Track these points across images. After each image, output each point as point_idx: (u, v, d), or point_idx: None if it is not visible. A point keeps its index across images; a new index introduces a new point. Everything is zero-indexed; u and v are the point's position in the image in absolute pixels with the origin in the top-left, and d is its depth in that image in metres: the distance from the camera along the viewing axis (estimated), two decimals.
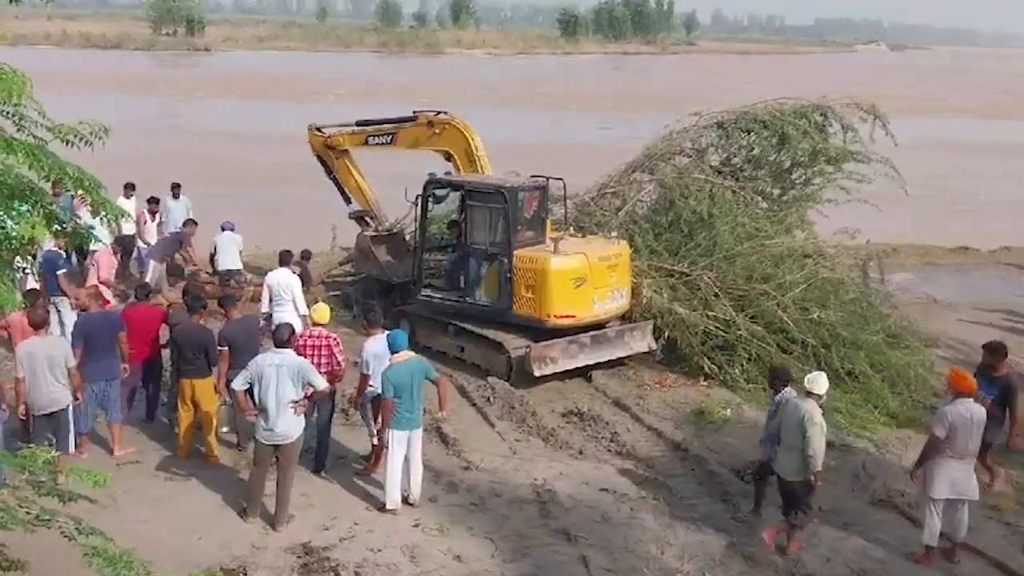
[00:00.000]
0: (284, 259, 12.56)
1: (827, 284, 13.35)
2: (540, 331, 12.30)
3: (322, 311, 10.20)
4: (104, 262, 13.31)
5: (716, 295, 12.98)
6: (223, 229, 15.23)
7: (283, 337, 8.76)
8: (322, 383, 8.79)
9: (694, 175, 14.85)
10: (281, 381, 8.48)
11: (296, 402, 8.57)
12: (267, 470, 8.83)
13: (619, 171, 15.97)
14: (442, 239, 14.84)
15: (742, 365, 12.55)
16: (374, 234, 15.22)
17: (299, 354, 9.40)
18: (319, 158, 15.71)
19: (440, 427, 10.57)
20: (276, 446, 8.66)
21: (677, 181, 14.78)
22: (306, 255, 15.36)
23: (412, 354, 9.11)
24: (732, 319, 12.68)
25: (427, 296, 13.48)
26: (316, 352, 9.65)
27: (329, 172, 15.69)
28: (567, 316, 12.27)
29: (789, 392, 9.03)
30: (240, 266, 15.12)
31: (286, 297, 11.99)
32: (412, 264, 13.81)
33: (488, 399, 11.87)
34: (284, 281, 12.08)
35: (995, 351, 9.99)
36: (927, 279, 19.43)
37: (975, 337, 15.20)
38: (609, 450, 10.73)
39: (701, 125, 15.80)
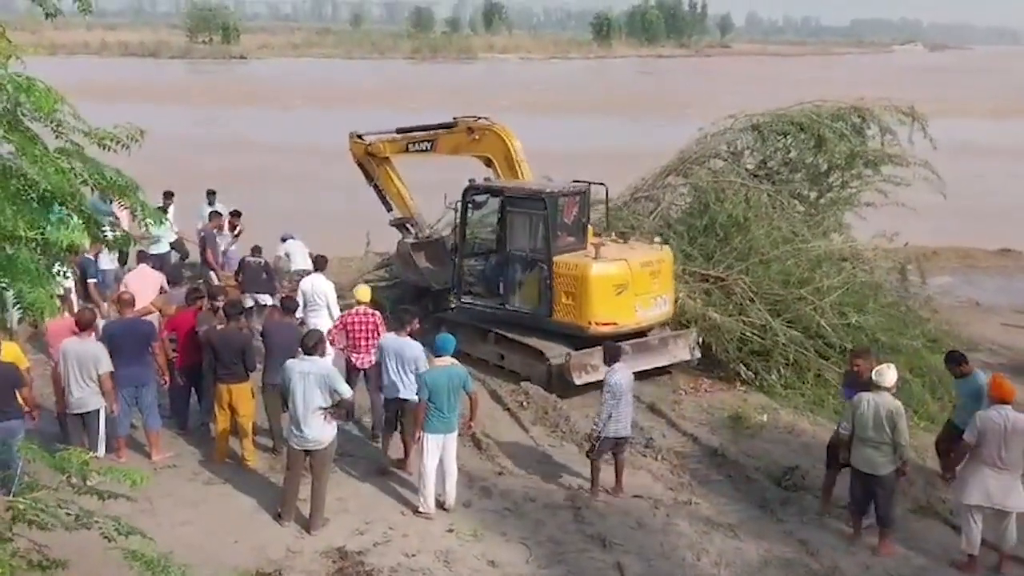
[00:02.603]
0: (319, 264, 12.62)
1: (865, 288, 13.20)
2: (581, 339, 12.05)
3: (363, 291, 11.04)
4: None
5: (751, 300, 12.85)
6: (283, 240, 15.38)
7: (310, 343, 8.81)
8: (348, 391, 8.82)
9: (729, 178, 14.73)
10: (308, 388, 8.55)
11: (324, 409, 8.61)
12: (300, 475, 8.88)
13: (653, 174, 15.89)
14: (490, 245, 14.61)
15: (779, 371, 12.42)
16: (415, 241, 15.10)
17: (346, 331, 10.47)
18: (360, 165, 15.58)
19: (474, 432, 10.56)
20: (308, 451, 8.72)
21: (712, 184, 14.67)
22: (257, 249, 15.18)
23: (454, 361, 9.14)
24: (768, 324, 12.54)
25: (466, 303, 13.34)
26: (363, 328, 10.61)
27: (370, 179, 15.55)
28: (608, 323, 12.01)
29: (621, 366, 9.39)
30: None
31: (320, 303, 12.04)
32: (451, 271, 13.69)
33: (522, 404, 11.85)
34: (319, 286, 12.14)
35: (856, 354, 9.63)
36: (968, 282, 19.15)
37: (1018, 341, 14.98)
38: (644, 455, 10.65)
39: (736, 128, 15.69)
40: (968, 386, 9.73)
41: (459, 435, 9.38)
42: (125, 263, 14.81)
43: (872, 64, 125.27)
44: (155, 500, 8.79)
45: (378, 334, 10.47)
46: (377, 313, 10.81)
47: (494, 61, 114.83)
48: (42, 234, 5.24)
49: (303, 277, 12.93)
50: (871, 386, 8.64)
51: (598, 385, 11.90)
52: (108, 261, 14.16)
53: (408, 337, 9.69)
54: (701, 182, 14.94)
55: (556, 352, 12.09)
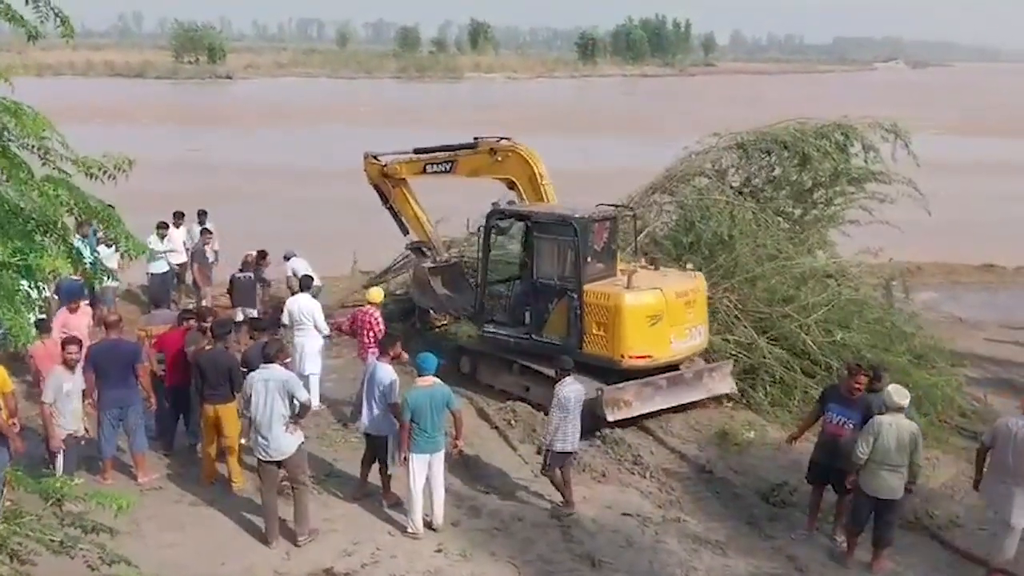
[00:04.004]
0: (305, 284, 12.64)
1: (850, 305, 13.22)
2: (613, 372, 11.48)
3: (375, 293, 12.11)
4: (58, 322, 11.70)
5: (737, 318, 12.89)
6: (287, 258, 15.38)
7: (271, 352, 8.90)
8: (305, 396, 8.85)
9: (714, 196, 14.78)
10: (270, 395, 8.61)
11: (287, 417, 8.65)
12: (276, 488, 8.90)
13: (639, 192, 15.95)
14: (511, 271, 14.03)
15: (765, 388, 12.42)
16: (432, 265, 14.64)
17: (353, 326, 11.85)
18: (375, 187, 15.11)
19: (462, 450, 10.53)
20: (278, 463, 8.75)
21: (697, 202, 14.72)
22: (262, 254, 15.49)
23: (436, 380, 9.12)
24: (753, 342, 12.56)
25: (489, 332, 12.82)
26: (364, 324, 11.59)
27: (385, 201, 15.10)
28: (642, 356, 11.48)
29: (571, 380, 9.40)
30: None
31: (307, 322, 12.04)
32: (472, 296, 13.17)
33: (510, 422, 11.82)
34: (305, 306, 12.15)
35: (850, 372, 9.24)
36: (952, 298, 19.25)
37: (1002, 356, 15.08)
38: (632, 473, 10.65)
39: (721, 146, 15.76)
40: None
41: (446, 454, 9.35)
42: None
43: (855, 81, 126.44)
44: (141, 522, 8.75)
45: (377, 332, 11.28)
46: (376, 313, 11.64)
47: (480, 80, 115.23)
48: (24, 262, 5.24)
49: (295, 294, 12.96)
50: (885, 408, 8.44)
51: (628, 421, 11.58)
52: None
53: (387, 364, 9.53)
54: (686, 200, 14.99)
55: (587, 386, 11.05)
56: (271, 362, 8.81)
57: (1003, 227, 26.65)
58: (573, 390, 9.44)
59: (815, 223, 15.66)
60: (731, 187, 15.44)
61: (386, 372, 9.40)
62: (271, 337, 9.97)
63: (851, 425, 8.86)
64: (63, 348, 9.47)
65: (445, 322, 15.15)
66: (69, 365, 9.40)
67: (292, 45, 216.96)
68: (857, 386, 9.01)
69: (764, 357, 12.45)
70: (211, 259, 16.11)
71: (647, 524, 9.41)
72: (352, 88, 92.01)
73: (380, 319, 11.68)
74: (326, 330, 12.27)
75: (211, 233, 16.07)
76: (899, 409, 8.41)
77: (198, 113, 60.39)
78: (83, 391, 9.58)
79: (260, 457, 8.80)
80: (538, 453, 9.89)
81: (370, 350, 11.32)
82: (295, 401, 8.71)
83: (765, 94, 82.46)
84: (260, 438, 8.70)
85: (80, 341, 9.74)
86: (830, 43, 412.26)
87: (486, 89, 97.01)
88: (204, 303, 14.47)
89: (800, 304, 12.96)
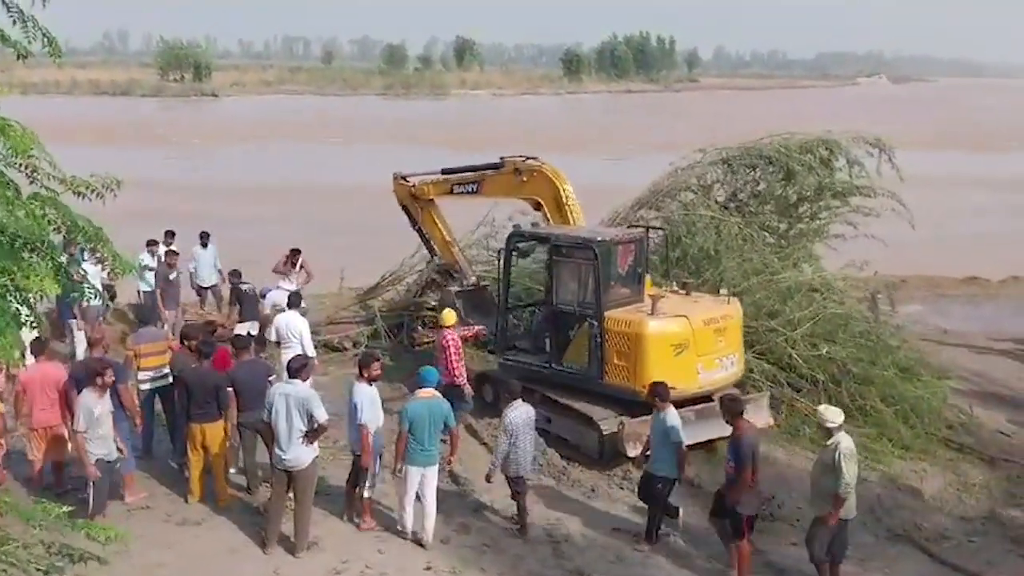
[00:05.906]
0: (293, 301, 12.60)
1: (836, 318, 13.27)
2: (636, 404, 10.81)
3: (448, 315, 11.86)
4: None
5: None
6: (264, 295, 15.26)
7: (295, 367, 8.97)
8: (323, 416, 8.79)
9: (700, 211, 14.84)
10: (290, 410, 8.69)
11: (304, 432, 8.70)
12: (283, 498, 8.95)
13: (625, 208, 15.99)
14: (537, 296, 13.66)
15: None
16: (459, 289, 14.40)
17: (440, 348, 11.51)
18: (404, 208, 15.04)
19: (452, 467, 10.51)
20: (289, 473, 8.81)
21: (683, 217, 14.79)
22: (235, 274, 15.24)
23: (436, 394, 9.14)
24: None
25: (510, 359, 12.44)
26: (441, 347, 11.52)
27: (414, 223, 15.03)
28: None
29: (520, 403, 9.32)
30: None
31: (294, 339, 12.01)
32: (495, 323, 12.75)
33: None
34: (293, 324, 12.12)
35: (724, 406, 9.00)
36: (937, 310, 19.37)
37: (988, 368, 15.18)
38: (622, 488, 10.65)
39: (706, 162, 15.85)
40: (659, 423, 9.26)
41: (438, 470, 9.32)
42: (114, 298, 14.76)
43: (838, 96, 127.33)
44: (129, 542, 8.67)
45: (450, 355, 11.35)
46: (453, 336, 11.53)
47: (466, 97, 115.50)
48: (12, 280, 5.23)
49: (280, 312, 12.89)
50: (832, 431, 8.33)
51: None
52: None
53: (365, 383, 9.31)
54: (672, 215, 15.06)
55: (608, 419, 10.98)
56: (294, 377, 8.89)
57: (985, 240, 26.88)
58: (521, 414, 9.34)
59: (800, 237, 15.74)
60: (716, 202, 15.51)
61: (360, 392, 9.23)
62: (297, 355, 10.05)
63: (730, 461, 8.67)
64: (99, 373, 9.29)
65: (433, 339, 15.12)
66: (101, 389, 9.26)
67: (278, 62, 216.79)
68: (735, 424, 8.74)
69: (750, 371, 12.48)
70: (214, 282, 16.53)
71: (637, 539, 9.41)
72: (337, 105, 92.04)
73: (455, 340, 11.55)
74: (311, 350, 12.18)
75: (176, 254, 16.02)
76: (840, 428, 8.38)
77: (180, 131, 60.30)
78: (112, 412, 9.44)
79: (275, 466, 8.92)
80: (487, 480, 9.63)
81: (456, 375, 11.45)
82: (313, 419, 8.72)
83: (749, 109, 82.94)
84: (277, 449, 8.82)
85: (112, 364, 9.64)
86: (813, 58, 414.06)
87: (471, 106, 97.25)
88: (168, 325, 14.29)
89: (786, 318, 13.00)
